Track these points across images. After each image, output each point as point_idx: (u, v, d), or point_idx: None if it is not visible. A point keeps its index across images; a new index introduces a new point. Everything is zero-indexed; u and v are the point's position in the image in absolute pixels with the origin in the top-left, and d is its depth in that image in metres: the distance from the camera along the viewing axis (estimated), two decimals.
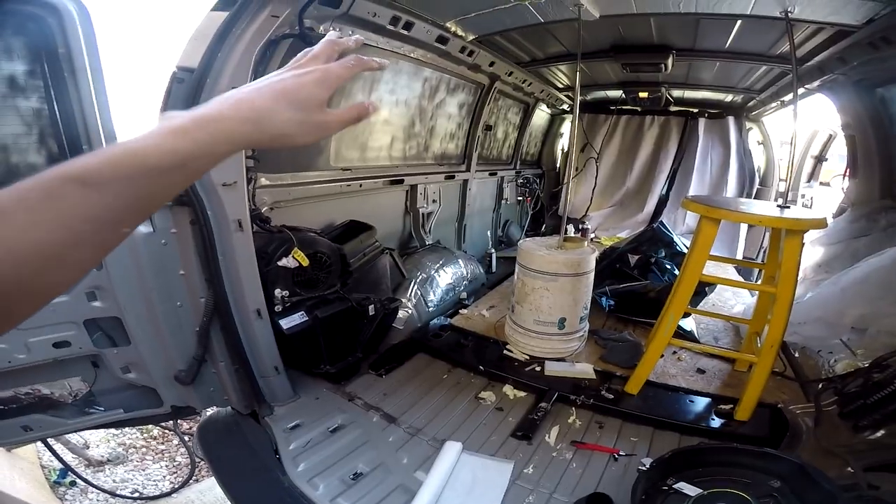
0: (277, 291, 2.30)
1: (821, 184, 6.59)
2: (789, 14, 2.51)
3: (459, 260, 4.04)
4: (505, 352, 3.02)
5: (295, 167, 2.87)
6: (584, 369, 2.80)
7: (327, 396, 2.49)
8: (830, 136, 6.07)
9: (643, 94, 5.19)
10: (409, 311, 3.24)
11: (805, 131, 5.86)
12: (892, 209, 3.35)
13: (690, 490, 1.76)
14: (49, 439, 2.53)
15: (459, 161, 4.77)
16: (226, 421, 2.26)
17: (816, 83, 3.61)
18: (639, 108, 6.08)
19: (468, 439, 2.20)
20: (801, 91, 3.87)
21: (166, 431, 3.75)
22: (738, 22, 2.92)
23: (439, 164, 4.45)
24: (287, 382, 2.38)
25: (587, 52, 4.03)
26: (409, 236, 4.17)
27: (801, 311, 3.05)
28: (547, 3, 2.79)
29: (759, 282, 3.39)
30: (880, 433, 2.03)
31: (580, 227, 5.76)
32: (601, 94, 5.88)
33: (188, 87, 1.85)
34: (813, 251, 3.85)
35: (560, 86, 5.47)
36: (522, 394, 2.62)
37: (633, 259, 3.76)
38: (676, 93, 5.40)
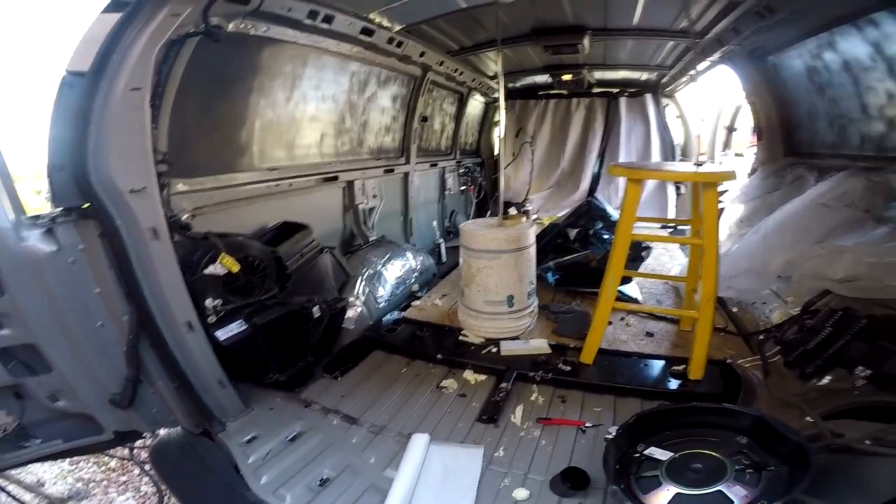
0: (209, 301, 2.15)
1: (736, 155, 7.14)
2: None
3: (407, 253, 3.98)
4: (461, 337, 3.01)
5: (214, 170, 2.67)
6: (539, 345, 2.83)
7: (282, 405, 2.38)
8: (738, 107, 6.60)
9: (567, 77, 5.41)
10: (359, 309, 3.15)
11: (716, 103, 6.34)
12: (796, 164, 3.68)
13: (661, 454, 1.78)
14: (1, 481, 2.46)
15: (398, 154, 4.71)
16: (178, 442, 2.14)
17: (717, 55, 3.87)
18: (565, 92, 6.31)
19: (435, 430, 2.17)
20: (705, 64, 4.17)
21: (125, 462, 3.52)
22: None
23: (376, 159, 4.35)
24: (235, 395, 2.25)
25: (510, 37, 4.12)
26: (350, 234, 4.04)
27: (729, 264, 3.28)
28: None
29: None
30: (827, 379, 2.15)
31: (521, 209, 5.88)
32: (529, 79, 6.05)
33: (80, 92, 1.72)
34: (734, 209, 4.16)
35: (491, 74, 5.55)
36: (483, 377, 2.61)
37: (572, 233, 3.89)
38: (598, 74, 5.66)
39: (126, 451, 2.80)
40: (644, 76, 5.75)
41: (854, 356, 2.08)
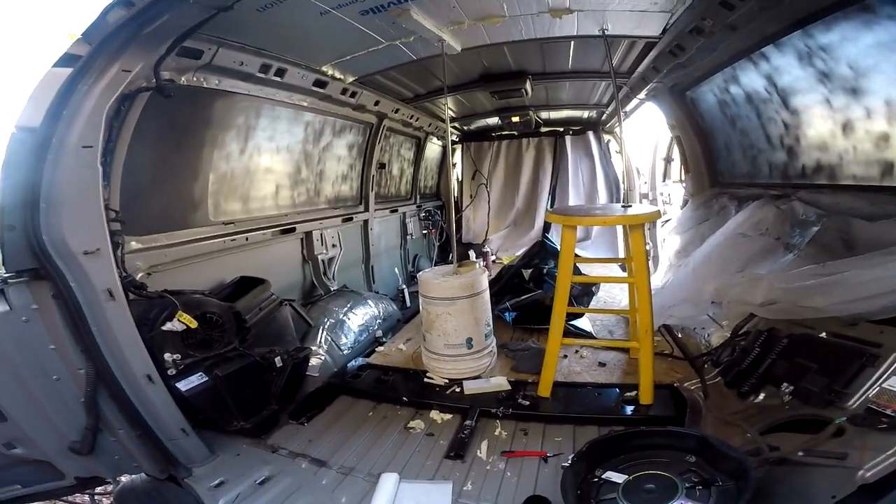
0: (167, 356, 2.16)
1: (675, 182, 7.66)
2: (605, 32, 2.96)
3: (369, 301, 4.00)
4: (426, 380, 3.05)
5: (169, 226, 2.67)
6: (499, 382, 2.92)
7: (248, 451, 2.37)
8: (671, 138, 7.14)
9: (515, 119, 5.70)
10: (322, 358, 3.15)
11: (653, 136, 6.83)
12: (720, 194, 3.98)
13: (617, 478, 1.87)
14: None
15: (356, 202, 4.76)
16: (143, 488, 2.14)
17: (643, 93, 4.21)
18: (516, 133, 6.63)
19: (404, 469, 2.20)
20: (635, 101, 4.56)
21: None
22: (572, 43, 3.37)
23: (334, 208, 4.39)
24: (200, 443, 2.23)
25: (461, 83, 4.39)
26: (311, 285, 4.03)
27: (668, 294, 3.52)
28: (416, 42, 2.98)
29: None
30: (762, 396, 2.31)
31: (482, 250, 6.04)
32: (482, 122, 6.34)
33: (31, 148, 1.71)
34: (672, 240, 4.45)
35: (445, 118, 5.79)
36: (449, 416, 2.66)
37: (527, 273, 4.05)
38: (544, 114, 6.01)
39: (87, 498, 2.78)
40: (585, 114, 6.13)
41: (779, 374, 2.26)
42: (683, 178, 4.89)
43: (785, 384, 2.18)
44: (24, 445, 1.88)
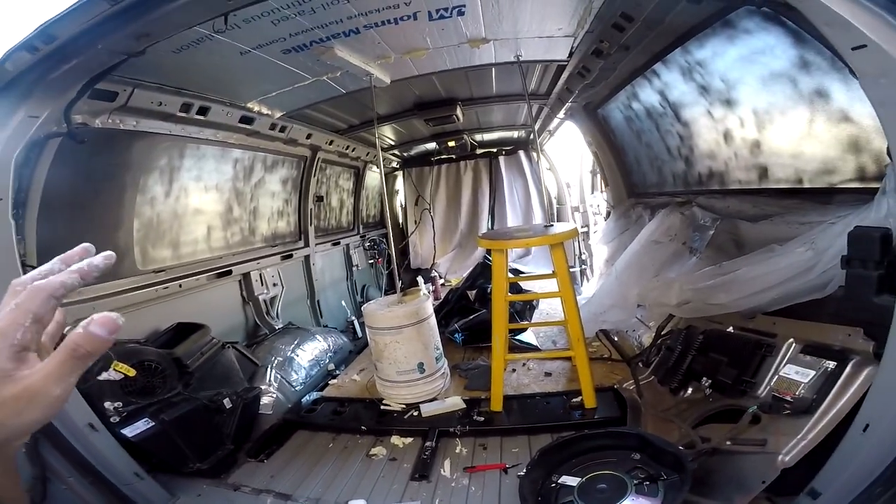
0: (108, 404, 2.17)
1: (602, 192, 8.15)
2: (520, 58, 3.18)
3: (317, 335, 3.93)
4: (382, 407, 3.05)
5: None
6: (454, 402, 2.98)
7: (210, 491, 2.33)
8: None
9: (451, 143, 5.90)
10: (274, 396, 3.07)
11: (578, 151, 7.25)
12: (636, 204, 4.25)
13: (572, 481, 1.97)
14: None
15: (295, 238, 4.65)
16: None
17: (562, 112, 4.50)
18: (454, 156, 6.84)
19: (371, 494, 2.22)
20: (556, 121, 4.87)
21: None
22: (493, 69, 3.56)
23: (272, 246, 4.27)
24: (157, 486, 2.16)
25: (395, 112, 4.47)
26: (254, 325, 3.89)
27: (598, 302, 3.75)
28: (344, 76, 3.03)
29: None
30: (689, 391, 2.50)
31: (430, 275, 6.09)
32: (421, 147, 6.47)
33: None
34: (600, 250, 4.75)
35: (383, 146, 5.85)
36: (409, 440, 2.69)
37: (471, 294, 4.19)
38: (478, 136, 6.24)
39: None
40: (515, 134, 6.43)
41: (698, 369, 2.48)
42: (603, 190, 5.23)
43: (704, 378, 2.38)
44: None
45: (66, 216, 2.35)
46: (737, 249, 2.68)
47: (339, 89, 3.33)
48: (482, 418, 2.76)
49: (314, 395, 3.31)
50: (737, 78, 2.42)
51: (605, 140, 4.48)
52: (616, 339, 3.51)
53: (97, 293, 2.50)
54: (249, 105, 3.23)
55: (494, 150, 6.85)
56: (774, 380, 2.00)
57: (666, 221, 3.29)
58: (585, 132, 4.65)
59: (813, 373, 1.84)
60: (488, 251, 6.20)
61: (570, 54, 3.14)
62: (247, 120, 3.31)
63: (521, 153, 6.82)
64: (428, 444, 2.55)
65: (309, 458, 2.61)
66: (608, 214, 4.87)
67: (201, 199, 3.39)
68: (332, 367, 3.77)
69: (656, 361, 2.85)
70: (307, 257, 4.74)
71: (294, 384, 3.30)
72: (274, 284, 4.08)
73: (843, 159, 2.02)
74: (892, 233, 1.47)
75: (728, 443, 1.93)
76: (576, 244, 5.84)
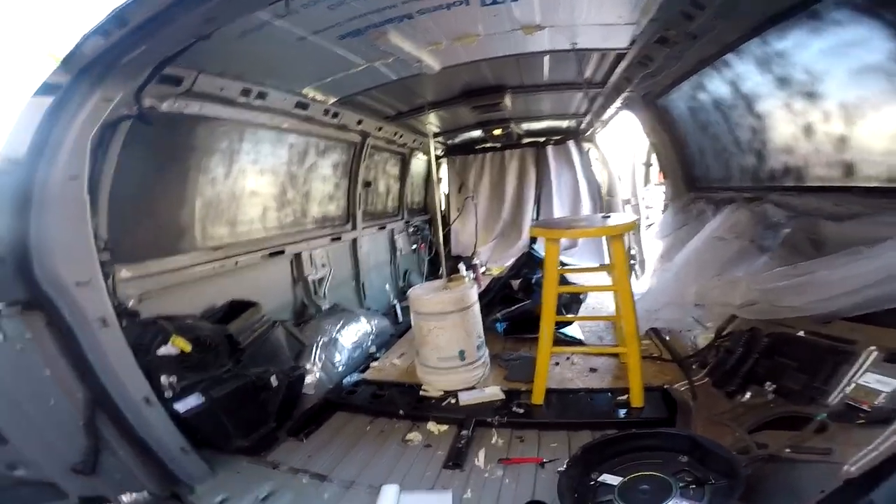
0: (164, 378, 2.22)
1: (656, 185, 7.78)
2: (575, 46, 3.06)
3: (361, 317, 4.02)
4: (421, 392, 3.07)
5: (158, 253, 2.68)
6: (493, 392, 2.95)
7: (249, 468, 2.39)
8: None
9: (497, 132, 5.77)
10: (317, 375, 3.17)
11: (631, 143, 6.97)
12: (697, 199, 4.08)
13: (613, 480, 1.91)
14: None
15: (344, 221, 4.78)
16: None
17: (618, 102, 4.32)
18: (499, 145, 6.73)
19: (404, 479, 2.23)
20: (611, 111, 4.68)
21: None
22: (546, 57, 3.45)
23: (322, 228, 4.41)
24: (200, 461, 2.25)
25: (442, 100, 4.43)
26: (302, 304, 4.02)
27: (653, 298, 3.59)
28: (395, 62, 3.03)
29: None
30: (748, 395, 2.36)
31: (471, 263, 6.07)
32: (466, 136, 6.40)
33: (16, 180, 1.72)
34: (655, 245, 4.55)
35: (428, 134, 5.83)
36: (445, 427, 2.68)
37: (515, 284, 4.10)
38: (525, 125, 6.08)
39: None
40: (565, 124, 6.23)
41: (762, 373, 2.33)
42: (663, 182, 5.00)
43: (768, 383, 2.25)
44: (25, 467, 1.91)
45: (135, 195, 2.51)
46: (815, 250, 2.50)
47: (389, 76, 3.34)
48: (521, 410, 2.71)
49: (355, 376, 3.38)
50: (823, 70, 2.26)
51: (665, 131, 4.32)
52: (668, 338, 3.34)
53: (161, 268, 2.66)
54: (304, 91, 3.32)
55: (542, 139, 6.69)
56: (850, 388, 1.87)
57: (732, 217, 3.11)
58: (644, 123, 4.48)
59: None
60: (533, 241, 6.20)
61: (632, 42, 2.98)
62: (302, 105, 3.40)
63: (571, 143, 6.61)
64: (464, 432, 2.54)
65: (346, 439, 2.66)
66: (665, 208, 4.69)
67: (257, 181, 3.53)
68: (373, 349, 3.85)
69: (713, 363, 2.70)
70: (354, 240, 4.86)
71: (337, 365, 3.39)
72: (323, 265, 4.20)
73: None
74: None
75: (787, 450, 1.80)
76: (626, 238, 5.61)
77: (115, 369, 1.94)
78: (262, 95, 3.01)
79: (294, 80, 3.17)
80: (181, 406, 2.24)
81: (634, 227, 2.85)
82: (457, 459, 2.33)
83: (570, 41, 3.02)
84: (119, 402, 1.96)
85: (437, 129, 5.87)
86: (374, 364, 3.62)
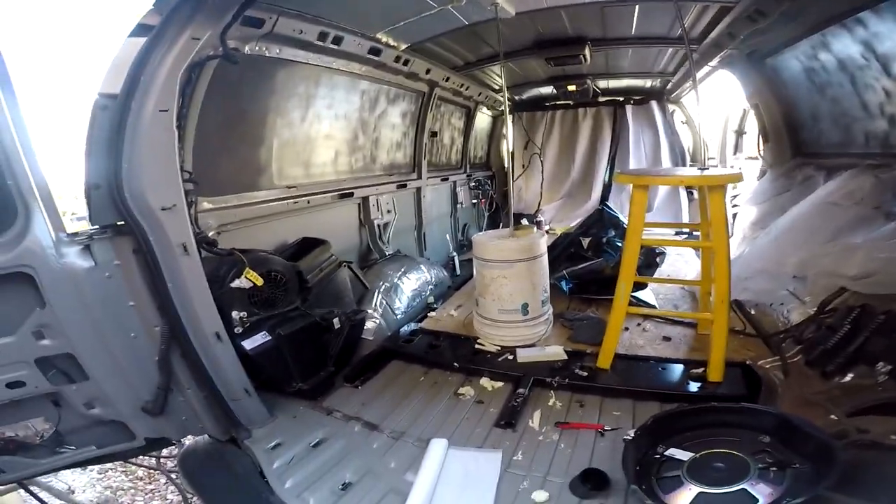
0: (235, 313, 2.24)
1: (749, 158, 7.09)
2: None
3: (422, 266, 4.05)
4: (477, 346, 3.04)
5: (237, 188, 2.80)
6: (555, 351, 2.85)
7: (304, 413, 2.44)
8: (745, 110, 6.60)
9: (571, 88, 5.45)
10: (377, 321, 3.22)
11: (724, 108, 6.35)
12: (804, 165, 3.69)
13: (682, 455, 1.79)
14: (33, 487, 2.53)
15: (409, 169, 4.82)
16: (206, 449, 2.21)
17: (716, 60, 3.93)
18: (571, 102, 6.38)
19: (453, 435, 2.20)
20: (706, 69, 4.22)
21: (152, 472, 3.64)
22: (637, 8, 3.17)
23: (389, 175, 4.46)
24: (260, 404, 2.31)
25: (513, 50, 4.22)
26: (367, 248, 4.14)
27: (743, 265, 3.27)
28: (468, 6, 2.88)
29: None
30: (849, 377, 2.13)
31: (534, 220, 5.92)
32: (535, 91, 6.14)
33: (112, 113, 1.81)
34: (747, 212, 4.15)
35: (496, 87, 5.66)
36: (500, 384, 2.63)
37: (585, 242, 3.89)
38: (602, 83, 5.72)
39: (153, 461, 2.96)
40: (648, 83, 5.80)
41: (874, 352, 2.06)
42: (762, 150, 4.51)
43: (881, 363, 1.99)
44: (101, 405, 1.98)
45: (218, 132, 2.61)
46: None
47: (461, 19, 3.19)
48: (584, 373, 2.60)
49: (412, 325, 3.41)
50: None
51: (771, 93, 3.95)
52: (753, 312, 3.06)
53: (241, 201, 2.79)
54: (378, 35, 3.27)
55: (621, 98, 6.26)
56: None
57: (851, 183, 2.74)
58: (746, 83, 4.13)
59: None
60: (604, 202, 5.91)
61: None
62: (375, 51, 3.37)
63: (654, 103, 6.15)
64: (520, 391, 2.47)
65: (400, 389, 2.66)
66: (762, 174, 4.29)
67: (331, 125, 3.58)
68: (431, 299, 3.87)
69: (809, 340, 2.43)
70: (419, 189, 4.91)
71: (396, 312, 3.44)
72: (388, 211, 4.28)
73: None
74: None
75: (894, 437, 1.61)
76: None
77: (192, 300, 2.00)
78: (337, 40, 2.99)
79: (369, 23, 3.12)
80: (248, 343, 2.25)
81: (740, 179, 2.55)
82: (510, 418, 2.27)
83: None
84: (192, 336, 2.03)
85: (505, 84, 5.64)
86: (432, 314, 3.64)
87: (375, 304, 3.31)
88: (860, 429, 1.71)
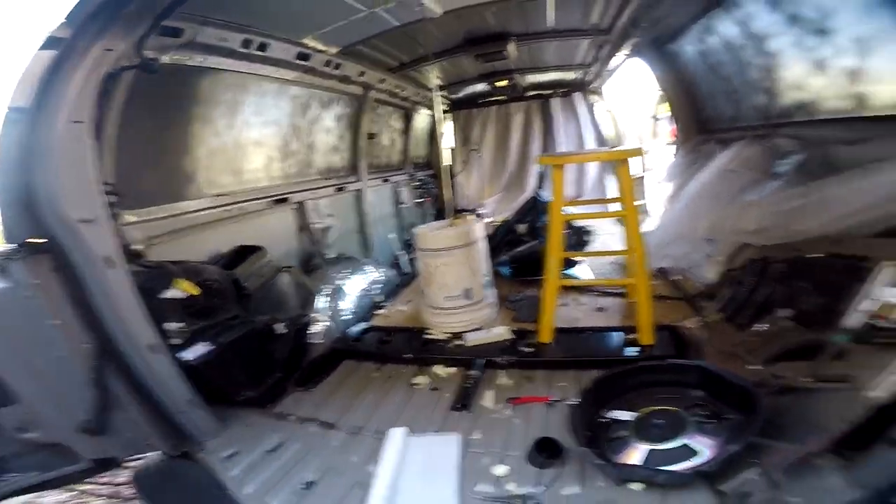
0: (170, 324, 2.18)
1: (667, 144, 7.63)
2: None
3: (367, 267, 4.07)
4: (426, 336, 3.12)
5: (163, 199, 2.71)
6: (501, 332, 2.98)
7: (258, 421, 2.39)
8: (659, 96, 7.12)
9: (501, 83, 5.66)
10: (325, 323, 3.20)
11: (639, 95, 6.85)
12: (707, 140, 4.06)
13: (626, 416, 1.93)
14: None
15: (348, 172, 4.80)
16: (158, 466, 2.13)
17: (627, 48, 4.25)
18: (504, 98, 6.61)
19: (411, 424, 2.23)
20: (620, 58, 4.54)
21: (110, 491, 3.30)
22: (550, 1, 3.34)
23: (326, 178, 4.43)
24: (209, 415, 2.25)
25: (444, 49, 4.32)
26: (308, 253, 4.07)
27: (662, 232, 3.60)
28: (397, 7, 2.94)
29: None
30: (762, 326, 2.35)
31: (477, 213, 6.08)
32: (469, 89, 6.27)
33: (23, 127, 1.76)
34: (664, 188, 4.52)
35: (432, 87, 5.70)
36: (453, 370, 2.71)
37: (521, 228, 4.11)
38: (530, 77, 5.96)
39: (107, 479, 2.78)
40: (571, 75, 6.08)
41: (776, 300, 2.32)
42: (675, 133, 4.91)
43: (784, 310, 2.23)
44: (37, 428, 1.91)
45: (141, 143, 2.53)
46: (827, 173, 2.42)
47: (392, 21, 3.23)
48: (529, 350, 2.74)
49: (362, 325, 3.42)
50: (833, 6, 2.19)
51: (674, 76, 4.30)
52: (678, 278, 3.35)
53: (168, 212, 2.69)
54: (305, 41, 3.26)
55: (548, 91, 6.56)
56: (868, 305, 1.83)
57: (744, 152, 3.08)
58: (654, 68, 4.43)
59: None
60: (539, 189, 6.15)
61: None
62: (303, 56, 3.35)
63: (577, 95, 6.50)
64: (472, 373, 2.57)
65: (354, 387, 2.66)
66: (676, 152, 4.62)
67: (261, 132, 3.53)
68: (380, 298, 3.90)
69: (725, 298, 2.69)
70: (359, 191, 4.92)
71: (343, 313, 3.43)
72: (328, 215, 4.24)
73: None
74: None
75: (805, 379, 1.80)
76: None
77: (122, 314, 1.94)
78: (263, 46, 2.97)
79: (295, 28, 3.10)
80: (189, 354, 2.19)
81: (641, 154, 2.80)
82: (464, 401, 2.35)
83: None
84: (126, 350, 1.97)
85: (440, 83, 5.75)
86: (381, 311, 3.67)
87: (321, 307, 3.29)
88: (775, 375, 1.90)
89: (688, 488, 1.61)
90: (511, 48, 4.17)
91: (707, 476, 1.60)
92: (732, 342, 2.39)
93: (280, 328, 2.62)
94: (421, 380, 2.64)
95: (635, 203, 2.66)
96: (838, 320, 1.92)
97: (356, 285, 3.72)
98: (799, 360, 1.96)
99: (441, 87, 5.89)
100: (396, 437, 2.08)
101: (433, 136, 7.01)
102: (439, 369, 2.72)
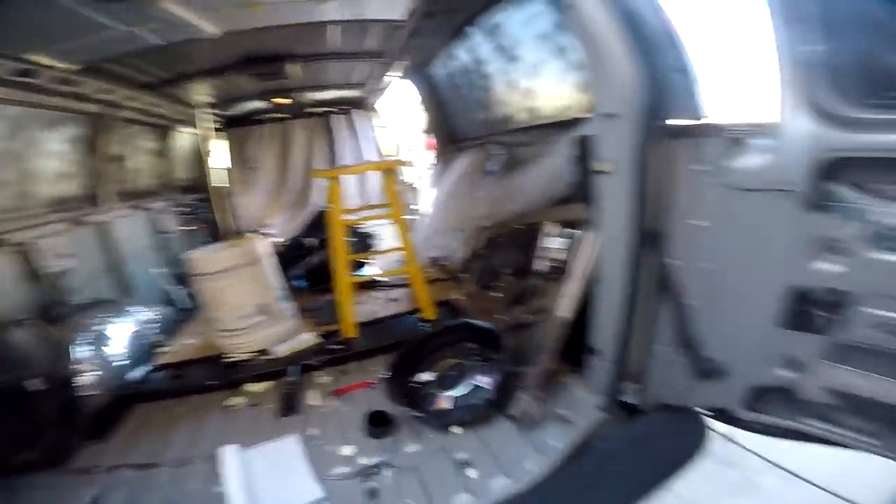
0: None
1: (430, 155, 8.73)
2: (361, 17, 3.24)
3: (132, 308, 3.46)
4: (226, 360, 3.02)
5: None
6: (306, 338, 3.14)
7: (56, 482, 2.11)
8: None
9: (281, 101, 5.62)
10: (94, 373, 2.69)
11: (411, 111, 7.62)
12: (455, 151, 4.88)
13: (429, 376, 2.35)
14: None
15: (87, 202, 3.92)
16: None
17: (396, 71, 4.80)
18: (288, 115, 6.50)
19: (241, 440, 2.19)
20: (390, 79, 5.14)
21: None
22: (333, 27, 3.51)
23: (57, 212, 3.54)
24: None
25: (217, 67, 4.05)
26: (49, 302, 3.15)
27: (428, 229, 4.39)
28: (166, 27, 2.73)
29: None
30: (499, 286, 3.14)
31: (262, 233, 5.82)
32: (247, 106, 5.99)
33: None
34: (430, 194, 5.31)
35: (198, 104, 5.23)
36: (268, 383, 2.72)
37: (309, 241, 4.34)
38: (311, 95, 5.99)
39: None
40: (349, 94, 6.27)
41: (500, 264, 3.21)
42: (434, 145, 5.72)
43: (506, 270, 3.11)
44: None
45: None
46: (516, 169, 3.43)
47: (155, 40, 2.94)
48: (339, 346, 2.96)
49: (145, 367, 3.07)
50: (519, 38, 3.06)
51: (430, 95, 5.04)
52: (447, 264, 4.12)
53: None
54: (30, 57, 2.70)
55: (329, 108, 6.69)
56: (544, 252, 2.69)
57: (470, 158, 4.08)
58: (418, 88, 5.10)
59: (565, 241, 2.55)
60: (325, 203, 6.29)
61: (409, 15, 3.25)
62: (26, 73, 2.74)
63: (356, 112, 6.81)
64: (291, 378, 2.64)
65: (160, 425, 2.46)
66: (436, 162, 5.47)
67: None
68: (158, 338, 3.47)
69: (476, 270, 3.52)
70: (105, 223, 4.00)
71: (115, 359, 2.93)
72: (66, 255, 3.35)
73: (576, 98, 2.79)
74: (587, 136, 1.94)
75: (526, 316, 2.55)
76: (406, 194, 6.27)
77: None
78: None
79: (16, 42, 2.57)
80: None
81: (401, 164, 3.55)
82: (290, 405, 2.42)
83: (356, 12, 3.16)
84: None
85: (210, 99, 5.32)
86: (165, 349, 3.33)
87: (84, 357, 2.73)
88: (513, 318, 2.60)
89: (493, 422, 2.05)
90: (291, 68, 4.20)
91: (496, 405, 2.10)
92: (485, 302, 3.16)
93: (35, 384, 2.23)
94: (236, 400, 2.59)
95: (409, 207, 3.27)
96: (533, 269, 2.77)
97: (124, 329, 3.16)
98: (520, 304, 2.75)
99: (212, 105, 5.46)
100: (230, 453, 2.04)
101: (202, 155, 6.30)
102: (252, 386, 2.69)
